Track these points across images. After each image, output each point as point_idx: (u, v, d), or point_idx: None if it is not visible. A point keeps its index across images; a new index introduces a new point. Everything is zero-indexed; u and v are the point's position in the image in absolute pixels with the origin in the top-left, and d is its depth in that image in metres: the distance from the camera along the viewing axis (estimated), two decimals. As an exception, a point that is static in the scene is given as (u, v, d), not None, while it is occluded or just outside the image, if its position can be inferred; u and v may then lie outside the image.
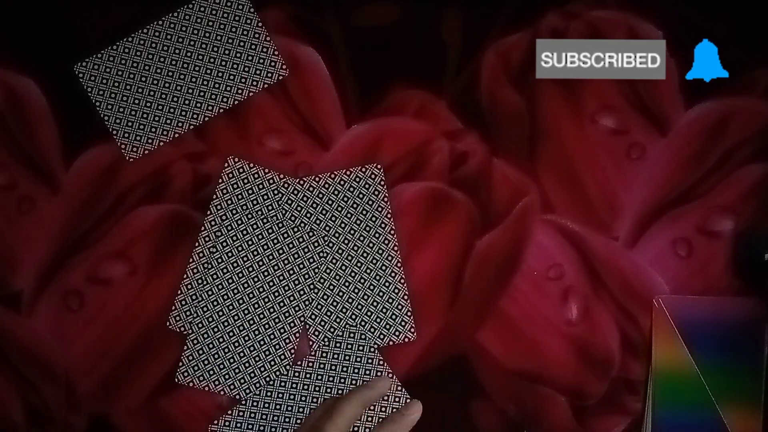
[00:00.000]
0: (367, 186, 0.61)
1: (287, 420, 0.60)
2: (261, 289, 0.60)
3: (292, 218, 0.61)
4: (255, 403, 0.60)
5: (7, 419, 0.60)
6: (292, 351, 0.60)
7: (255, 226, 0.61)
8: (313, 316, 0.60)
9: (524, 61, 0.61)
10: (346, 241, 0.61)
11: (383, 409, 0.60)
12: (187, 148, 0.61)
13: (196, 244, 0.60)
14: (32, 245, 0.61)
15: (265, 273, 0.60)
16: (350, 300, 0.60)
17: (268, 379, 0.60)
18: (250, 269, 0.60)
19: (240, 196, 0.61)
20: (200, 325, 0.60)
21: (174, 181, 0.61)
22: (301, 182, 0.61)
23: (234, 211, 0.61)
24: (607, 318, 0.61)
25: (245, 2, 0.61)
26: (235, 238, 0.60)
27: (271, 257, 0.60)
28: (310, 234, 0.61)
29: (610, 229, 0.61)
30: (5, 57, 0.61)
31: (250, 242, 0.60)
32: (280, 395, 0.60)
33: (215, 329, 0.60)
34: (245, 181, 0.61)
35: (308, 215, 0.61)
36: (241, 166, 0.61)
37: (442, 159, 0.61)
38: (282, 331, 0.60)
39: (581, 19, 0.61)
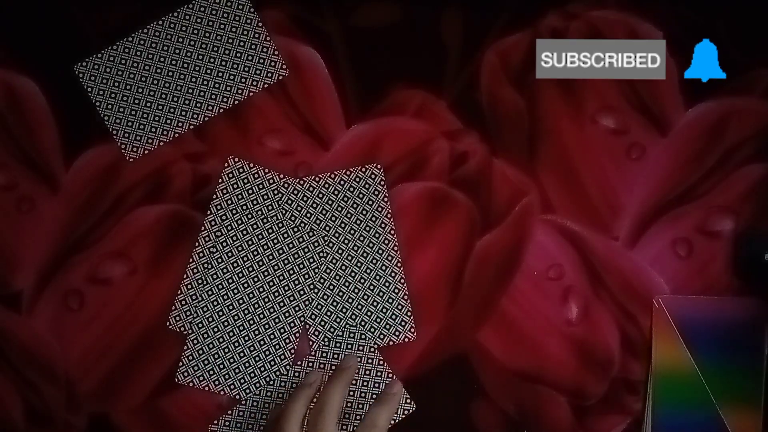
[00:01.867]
0: (367, 186, 0.61)
1: (287, 420, 0.60)
2: (261, 289, 0.60)
3: (292, 218, 0.61)
4: (255, 403, 0.60)
5: (7, 419, 0.60)
6: (292, 351, 0.60)
7: (255, 226, 0.61)
8: (313, 316, 0.60)
9: (524, 61, 0.61)
10: (346, 241, 0.61)
11: (383, 409, 0.60)
12: (187, 148, 0.61)
13: (196, 244, 0.60)
14: (32, 245, 0.61)
15: (265, 273, 0.60)
16: (350, 300, 0.60)
17: (268, 379, 0.60)
18: (250, 269, 0.60)
19: (240, 196, 0.61)
20: (200, 325, 0.60)
21: (174, 181, 0.61)
22: (301, 182, 0.61)
23: (234, 211, 0.61)
24: (607, 318, 0.61)
25: (245, 2, 0.61)
26: (235, 238, 0.60)
27: (271, 257, 0.60)
28: (310, 234, 0.61)
29: (610, 229, 0.61)
30: (5, 57, 0.61)
31: (250, 242, 0.60)
32: (280, 395, 0.60)
33: (215, 329, 0.60)
34: (245, 181, 0.61)
35: (308, 215, 0.61)
36: (241, 166, 0.61)
37: (442, 159, 0.61)
38: (282, 331, 0.60)
39: (581, 19, 0.61)
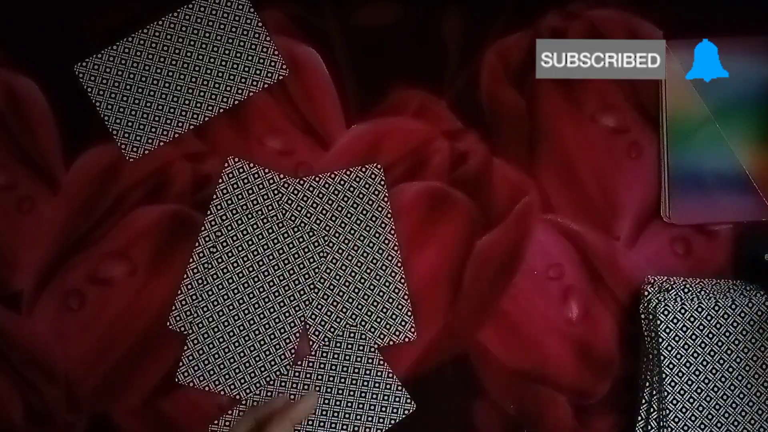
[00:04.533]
0: (367, 186, 0.61)
1: (287, 420, 0.60)
2: (261, 289, 0.60)
3: (292, 218, 0.61)
4: (255, 403, 0.60)
5: (7, 419, 0.60)
6: (292, 351, 0.60)
7: (255, 226, 0.61)
8: (313, 316, 0.60)
9: (524, 61, 0.61)
10: (346, 241, 0.61)
11: (383, 409, 0.60)
12: (187, 148, 0.61)
13: (196, 244, 0.60)
14: (32, 245, 0.61)
15: (265, 273, 0.60)
16: (350, 300, 0.60)
17: (268, 379, 0.60)
18: (250, 269, 0.60)
19: (240, 196, 0.61)
20: (200, 325, 0.60)
21: (174, 181, 0.61)
22: (302, 182, 0.61)
23: (234, 211, 0.61)
24: (607, 317, 0.61)
25: (245, 2, 0.61)
26: (235, 238, 0.60)
27: (271, 257, 0.60)
28: (310, 234, 0.61)
29: (610, 229, 0.61)
30: (5, 57, 0.61)
31: (250, 242, 0.60)
32: (280, 395, 0.60)
33: (215, 329, 0.60)
34: (245, 181, 0.61)
35: (308, 215, 0.61)
36: (241, 166, 0.61)
37: (442, 159, 0.61)
38: (282, 331, 0.60)
39: (581, 19, 0.61)
